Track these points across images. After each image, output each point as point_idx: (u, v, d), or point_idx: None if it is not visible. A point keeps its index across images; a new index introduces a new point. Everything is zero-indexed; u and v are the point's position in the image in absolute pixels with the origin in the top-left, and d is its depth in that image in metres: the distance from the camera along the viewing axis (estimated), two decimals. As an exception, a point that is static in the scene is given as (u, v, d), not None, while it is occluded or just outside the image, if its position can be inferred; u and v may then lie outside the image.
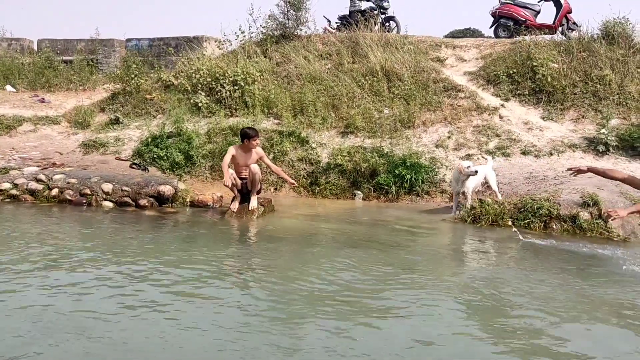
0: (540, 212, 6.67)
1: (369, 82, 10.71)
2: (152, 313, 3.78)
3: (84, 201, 7.81)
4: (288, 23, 12.36)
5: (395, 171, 8.64)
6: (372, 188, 8.77)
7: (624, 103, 9.84)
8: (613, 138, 8.94)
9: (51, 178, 8.10)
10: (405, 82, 10.52)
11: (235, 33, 12.29)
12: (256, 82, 10.74)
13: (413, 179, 8.55)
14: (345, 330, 3.53)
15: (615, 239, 6.23)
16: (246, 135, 7.20)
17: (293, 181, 7.68)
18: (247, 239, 6.55)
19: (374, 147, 9.19)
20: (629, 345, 3.44)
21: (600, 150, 8.90)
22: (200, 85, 10.89)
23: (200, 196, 8.02)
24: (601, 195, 6.73)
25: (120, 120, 10.69)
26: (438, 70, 11.12)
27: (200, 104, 10.55)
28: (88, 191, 7.87)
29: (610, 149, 8.90)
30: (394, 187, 8.56)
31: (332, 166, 9.07)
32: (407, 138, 9.51)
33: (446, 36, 16.36)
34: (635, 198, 6.79)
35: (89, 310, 3.78)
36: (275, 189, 8.98)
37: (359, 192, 8.77)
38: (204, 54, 12.40)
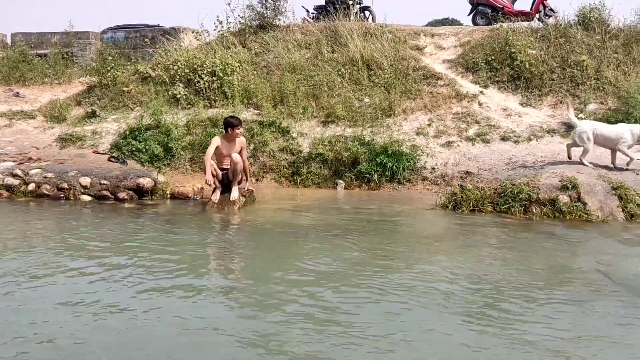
0: (520, 196, 6.72)
1: (349, 71, 10.67)
2: (130, 307, 3.73)
3: (62, 195, 7.68)
4: (266, 13, 12.25)
5: (377, 159, 8.63)
6: (353, 177, 8.75)
7: (601, 88, 9.95)
8: (591, 122, 9.03)
9: (27, 173, 7.94)
10: (385, 70, 10.51)
11: (214, 23, 12.14)
12: (235, 73, 10.63)
13: (394, 167, 8.55)
14: (329, 321, 3.52)
15: (594, 220, 6.31)
16: (230, 124, 7.13)
17: (251, 187, 7.67)
18: (229, 230, 6.50)
19: (355, 136, 9.17)
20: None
21: (578, 135, 8.98)
22: (178, 77, 10.76)
23: (181, 188, 7.94)
24: (580, 179, 6.80)
25: (97, 113, 10.52)
26: (417, 58, 11.12)
27: (178, 96, 10.41)
28: (65, 185, 7.74)
29: (588, 133, 8.99)
30: (375, 175, 8.56)
31: (313, 156, 9.03)
32: (387, 126, 9.51)
33: (425, 26, 16.36)
34: (613, 181, 6.87)
35: (64, 305, 3.71)
36: (257, 179, 8.92)
37: (341, 182, 8.75)
38: (182, 45, 12.24)
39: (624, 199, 6.59)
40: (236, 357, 3.03)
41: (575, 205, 6.50)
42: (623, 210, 6.51)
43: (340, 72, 10.66)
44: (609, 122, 8.93)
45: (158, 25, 15.33)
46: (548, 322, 3.48)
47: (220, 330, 3.33)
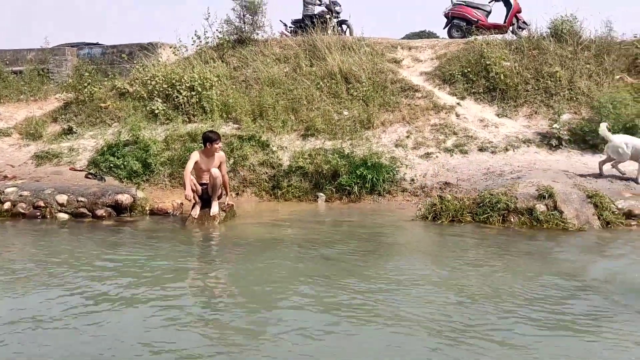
0: (499, 206, 6.81)
1: (328, 84, 10.74)
2: (111, 323, 3.68)
3: (38, 214, 7.57)
4: (244, 27, 12.28)
5: (357, 172, 8.67)
6: (334, 189, 8.77)
7: (574, 98, 10.15)
8: (565, 132, 9.22)
9: (2, 191, 7.81)
10: (363, 83, 10.60)
11: (192, 38, 12.13)
12: (214, 87, 10.62)
13: (374, 178, 8.59)
14: (312, 336, 3.51)
15: (570, 229, 6.41)
16: (208, 139, 7.12)
17: (231, 202, 7.65)
18: (209, 245, 6.45)
19: (335, 149, 9.20)
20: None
21: (553, 145, 9.16)
22: (156, 92, 10.70)
23: (160, 204, 7.87)
24: (556, 188, 6.92)
25: (74, 130, 10.40)
26: (395, 71, 11.24)
27: (157, 111, 10.36)
28: (42, 203, 7.63)
29: (563, 142, 9.17)
30: (356, 187, 8.59)
31: (293, 169, 9.03)
32: (367, 139, 9.57)
33: (402, 39, 16.54)
34: (588, 190, 7.00)
35: (41, 325, 3.64)
36: (237, 194, 8.88)
37: (322, 194, 8.76)
38: (159, 61, 12.20)
39: (600, 207, 6.71)
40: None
41: (552, 214, 6.60)
42: (599, 218, 6.63)
43: (319, 86, 10.72)
44: (583, 132, 9.15)
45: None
46: (526, 329, 3.51)
47: (200, 349, 3.30)
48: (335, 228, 6.92)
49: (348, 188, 8.63)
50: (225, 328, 3.63)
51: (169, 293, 4.32)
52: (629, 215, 6.76)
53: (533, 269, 4.95)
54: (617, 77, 10.43)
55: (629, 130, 8.75)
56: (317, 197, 8.75)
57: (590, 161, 8.62)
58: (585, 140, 9.10)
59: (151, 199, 8.06)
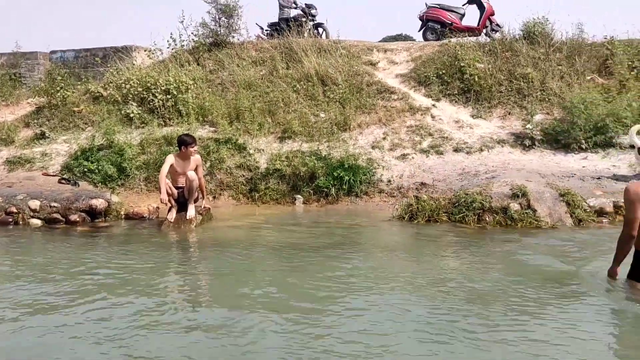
0: (474, 205, 6.88)
1: (304, 87, 10.75)
2: (87, 332, 3.62)
3: (10, 220, 7.43)
4: (220, 30, 12.24)
5: (334, 174, 8.70)
6: (312, 191, 8.77)
7: (546, 99, 10.34)
8: (538, 132, 9.37)
9: (-28, 198, 7.64)
10: (340, 86, 10.64)
11: (167, 41, 12.04)
12: (189, 90, 10.55)
13: (352, 180, 8.63)
14: (291, 339, 3.51)
15: (544, 226, 6.51)
16: (183, 143, 7.07)
17: (208, 205, 7.62)
18: (186, 249, 6.40)
19: (312, 151, 9.21)
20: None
21: (527, 145, 9.31)
22: (131, 96, 10.59)
23: (136, 208, 7.80)
24: (529, 187, 7.03)
25: (47, 134, 10.23)
26: (371, 73, 11.31)
27: (132, 115, 10.25)
28: (14, 209, 7.49)
29: (536, 142, 9.32)
30: (333, 189, 8.61)
31: (271, 171, 9.01)
32: (343, 141, 9.60)
33: (379, 42, 16.65)
34: (560, 188, 7.12)
35: (13, 337, 3.58)
36: (214, 197, 8.83)
37: (299, 196, 8.76)
38: (134, 64, 12.08)
39: (572, 205, 6.84)
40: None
41: (526, 213, 6.70)
42: (571, 216, 6.75)
43: (295, 88, 10.73)
44: (555, 132, 9.31)
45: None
46: (505, 326, 3.56)
47: (176, 352, 3.28)
48: (313, 230, 6.92)
49: (325, 190, 8.65)
50: (202, 330, 3.61)
51: (144, 297, 4.27)
52: (600, 212, 6.90)
53: (507, 266, 5.02)
54: (588, 77, 10.65)
55: (600, 129, 8.95)
56: (295, 200, 8.74)
57: (562, 160, 8.79)
58: (558, 140, 9.26)
59: (126, 203, 7.97)
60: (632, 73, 10.35)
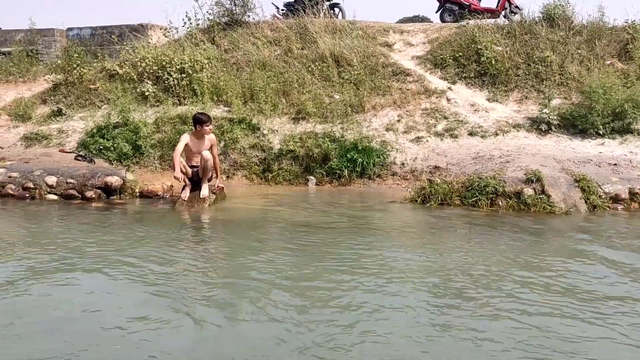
0: (487, 189, 6.86)
1: (319, 67, 10.69)
2: (103, 307, 3.70)
3: (27, 195, 7.55)
4: (235, 9, 12.18)
5: (347, 155, 8.69)
6: (324, 173, 8.79)
7: (564, 83, 10.18)
8: (555, 117, 9.25)
9: (-9, 173, 7.77)
10: (355, 67, 10.57)
11: (183, 20, 12.02)
12: (204, 70, 10.56)
13: (365, 162, 8.62)
14: (303, 320, 3.55)
15: (557, 212, 6.47)
16: (199, 121, 7.10)
17: (222, 185, 7.64)
18: (199, 227, 6.47)
19: (326, 133, 9.20)
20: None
21: (543, 130, 9.20)
22: (146, 74, 10.63)
23: (150, 186, 7.86)
24: (544, 172, 6.97)
25: (63, 111, 10.32)
26: (386, 55, 11.21)
27: (147, 93, 10.29)
28: (31, 185, 7.60)
29: (552, 127, 9.21)
30: (346, 171, 8.62)
31: (284, 152, 9.03)
32: (357, 122, 9.57)
33: (395, 24, 16.48)
34: (576, 174, 7.06)
35: (31, 310, 3.66)
36: (228, 177, 8.88)
37: (312, 178, 8.78)
38: (150, 42, 12.09)
39: (587, 191, 6.78)
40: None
41: (540, 198, 6.66)
42: (586, 202, 6.70)
43: (310, 69, 10.68)
44: (572, 117, 9.19)
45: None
46: (516, 313, 3.57)
47: (192, 332, 3.34)
48: (325, 211, 6.95)
49: (338, 172, 8.66)
50: (216, 308, 3.66)
51: (158, 274, 4.34)
52: (616, 199, 6.84)
53: (519, 251, 5.01)
54: (608, 62, 10.46)
55: (618, 115, 8.82)
56: (308, 181, 8.76)
57: (578, 146, 8.69)
58: (575, 125, 9.14)
59: (141, 181, 8.05)
60: (653, 58, 10.15)
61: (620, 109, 8.79)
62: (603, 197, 6.78)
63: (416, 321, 3.41)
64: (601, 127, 8.82)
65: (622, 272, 4.35)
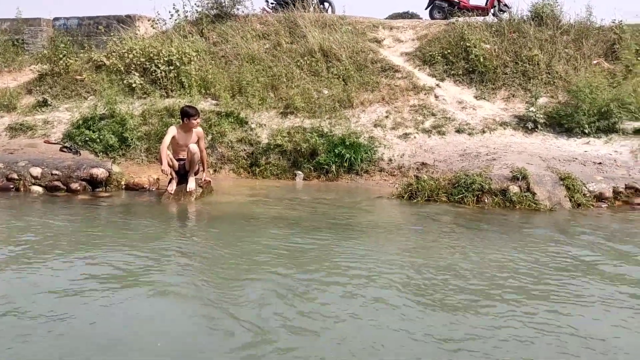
0: (473, 186, 6.89)
1: (308, 62, 10.67)
2: (86, 301, 3.67)
3: (11, 186, 7.47)
4: (224, 2, 12.10)
5: (335, 151, 8.70)
6: (312, 168, 8.79)
7: (551, 82, 10.26)
8: (541, 115, 9.32)
9: (-27, 163, 7.67)
10: (344, 62, 10.57)
11: (170, 12, 11.93)
12: (192, 62, 10.49)
13: (352, 158, 8.64)
14: (288, 313, 3.55)
15: (542, 210, 6.53)
16: (186, 114, 7.05)
17: (209, 178, 7.60)
18: (185, 221, 6.45)
19: (314, 127, 9.19)
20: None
21: (530, 128, 9.27)
22: (133, 66, 10.54)
23: (136, 179, 7.81)
24: (529, 170, 7.03)
25: (49, 102, 10.20)
26: (375, 50, 11.22)
27: (134, 85, 10.20)
28: (15, 176, 7.52)
29: (539, 126, 9.28)
30: (334, 166, 8.63)
31: (272, 147, 9.02)
32: (346, 118, 9.57)
33: (385, 19, 16.48)
34: (561, 172, 7.13)
35: (16, 306, 3.62)
36: (215, 170, 8.84)
37: (300, 172, 8.78)
38: (137, 34, 11.98)
39: (571, 189, 6.85)
40: (193, 352, 3.03)
41: (525, 195, 6.72)
42: (570, 200, 6.77)
43: (298, 64, 10.66)
44: (559, 115, 9.26)
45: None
46: (498, 309, 3.60)
47: (177, 325, 3.32)
48: (312, 206, 6.95)
49: (326, 167, 8.66)
50: (201, 303, 3.65)
51: (143, 268, 4.32)
52: (600, 197, 6.92)
53: (505, 247, 5.05)
54: (595, 62, 10.56)
55: (604, 115, 8.90)
56: (295, 176, 8.76)
57: (564, 144, 8.77)
58: (561, 124, 9.22)
59: (127, 173, 8.00)
60: (639, 58, 10.25)
61: (606, 109, 8.88)
62: (587, 195, 6.86)
63: (401, 317, 3.43)
64: (587, 126, 8.91)
65: (603, 269, 4.40)
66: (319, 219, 6.17)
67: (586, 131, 8.91)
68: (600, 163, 7.78)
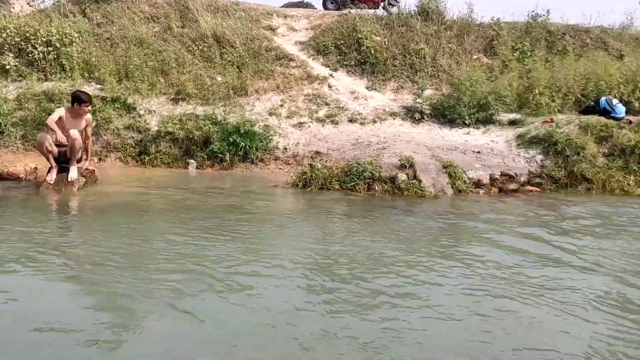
0: (365, 174, 7.12)
1: (200, 47, 10.39)
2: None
3: None
4: (109, -20, 11.43)
5: (230, 139, 8.58)
6: (206, 156, 8.61)
7: (436, 75, 10.83)
8: (427, 107, 9.81)
9: None
10: (237, 49, 10.42)
11: (48, -12, 11.04)
12: (74, 44, 9.79)
13: (247, 146, 8.57)
14: (172, 306, 3.45)
15: (427, 196, 6.90)
16: (78, 99, 6.57)
17: (92, 167, 7.21)
18: (66, 213, 6.04)
19: (207, 115, 8.98)
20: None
21: (417, 118, 9.72)
22: (7, 46, 9.63)
23: (11, 168, 7.18)
24: (416, 158, 7.38)
25: None
26: (270, 38, 11.18)
27: (7, 67, 9.33)
28: None
29: (425, 117, 9.76)
30: (228, 155, 8.51)
31: (162, 134, 8.69)
32: (240, 106, 9.45)
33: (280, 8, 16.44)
34: (443, 161, 7.56)
35: None
36: (100, 159, 8.37)
37: (192, 161, 8.55)
38: (12, 11, 10.97)
39: (453, 177, 7.29)
40: (71, 351, 2.85)
41: (412, 183, 7.05)
42: (452, 187, 7.20)
43: (190, 49, 10.35)
44: (442, 107, 9.78)
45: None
46: (395, 293, 3.75)
47: (60, 323, 3.11)
48: (206, 195, 6.79)
49: (220, 155, 8.53)
50: (87, 297, 3.45)
51: (15, 266, 3.99)
52: (478, 184, 7.44)
53: (394, 232, 5.27)
54: (475, 57, 11.29)
55: (482, 107, 9.53)
56: (188, 164, 8.53)
57: (447, 134, 9.30)
58: (445, 115, 9.76)
59: (0, 162, 7.33)
60: (514, 54, 11.10)
61: (484, 101, 9.51)
62: (467, 182, 7.34)
63: (296, 306, 3.46)
64: (467, 117, 9.50)
65: (482, 249, 4.74)
66: (214, 209, 6.05)
67: (467, 122, 9.50)
68: (479, 152, 8.35)
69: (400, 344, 2.98)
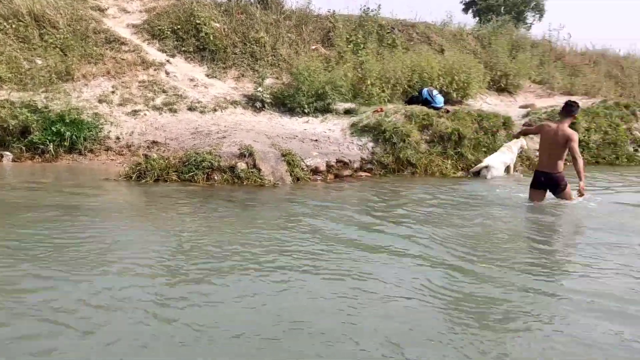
0: (204, 164, 6.96)
1: (14, 27, 9.30)
2: None
3: None
4: None
5: (53, 128, 7.86)
6: (24, 148, 7.79)
7: (276, 64, 10.93)
8: (268, 96, 9.87)
9: None
10: (61, 30, 9.52)
11: None
12: None
13: (74, 136, 7.91)
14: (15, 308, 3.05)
15: (266, 185, 6.94)
16: None
17: None
18: None
19: (24, 102, 8.10)
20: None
21: (258, 107, 9.75)
22: None
23: None
24: (256, 147, 7.38)
25: None
26: (98, 20, 10.40)
27: None
28: None
29: (266, 105, 9.82)
30: (51, 145, 7.78)
31: (-30, 124, 7.67)
32: (65, 92, 8.68)
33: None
34: (282, 149, 7.66)
35: None
36: None
37: (8, 153, 7.68)
38: None
39: (292, 165, 7.44)
40: None
41: (252, 171, 7.05)
42: (290, 175, 7.34)
43: (2, 27, 9.21)
44: (283, 96, 9.91)
45: None
46: (241, 283, 3.69)
47: None
48: (25, 191, 6.12)
49: (42, 146, 7.76)
50: None
51: None
52: (315, 171, 7.67)
53: (232, 223, 5.21)
54: (313, 47, 11.60)
55: (320, 96, 9.83)
56: (2, 157, 7.62)
57: (287, 123, 9.46)
58: (285, 104, 9.91)
59: None
60: (349, 46, 11.60)
61: (322, 91, 9.83)
62: (305, 169, 7.53)
63: (133, 306, 3.26)
64: (306, 106, 9.74)
65: (323, 235, 4.88)
66: (34, 208, 5.45)
67: (306, 111, 9.74)
68: (316, 140, 8.61)
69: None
